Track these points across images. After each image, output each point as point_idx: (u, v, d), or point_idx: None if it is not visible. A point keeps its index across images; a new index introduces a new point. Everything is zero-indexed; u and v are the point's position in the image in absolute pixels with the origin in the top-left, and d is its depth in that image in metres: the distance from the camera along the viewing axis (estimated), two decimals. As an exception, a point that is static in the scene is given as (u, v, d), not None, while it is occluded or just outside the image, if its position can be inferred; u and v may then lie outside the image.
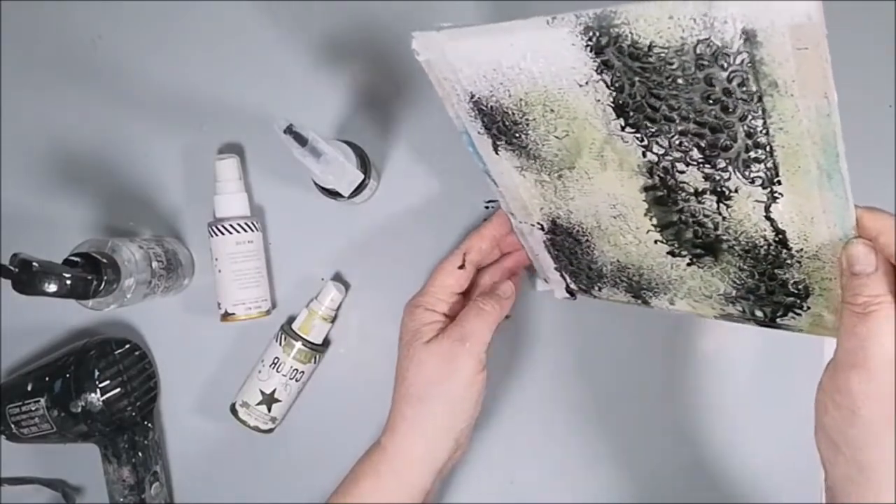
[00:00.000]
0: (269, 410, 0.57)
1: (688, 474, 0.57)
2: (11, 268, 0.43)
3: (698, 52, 0.32)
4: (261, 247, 0.57)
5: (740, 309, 0.44)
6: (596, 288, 0.51)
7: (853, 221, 0.35)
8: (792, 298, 0.41)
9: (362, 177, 0.47)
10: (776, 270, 0.40)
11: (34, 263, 0.43)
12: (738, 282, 0.43)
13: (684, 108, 0.35)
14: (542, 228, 0.49)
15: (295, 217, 0.59)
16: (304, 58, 0.58)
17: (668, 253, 0.44)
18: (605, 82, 0.36)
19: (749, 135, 0.34)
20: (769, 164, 0.35)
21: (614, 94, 0.36)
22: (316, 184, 0.52)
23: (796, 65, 0.30)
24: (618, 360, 0.58)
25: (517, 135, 0.43)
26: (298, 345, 0.56)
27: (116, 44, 0.60)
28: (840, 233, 0.36)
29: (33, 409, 0.56)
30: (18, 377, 0.58)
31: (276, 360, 0.56)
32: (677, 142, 0.37)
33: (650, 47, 0.33)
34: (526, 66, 0.38)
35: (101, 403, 0.55)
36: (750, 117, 0.33)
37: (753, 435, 0.57)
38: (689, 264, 0.44)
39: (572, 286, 0.53)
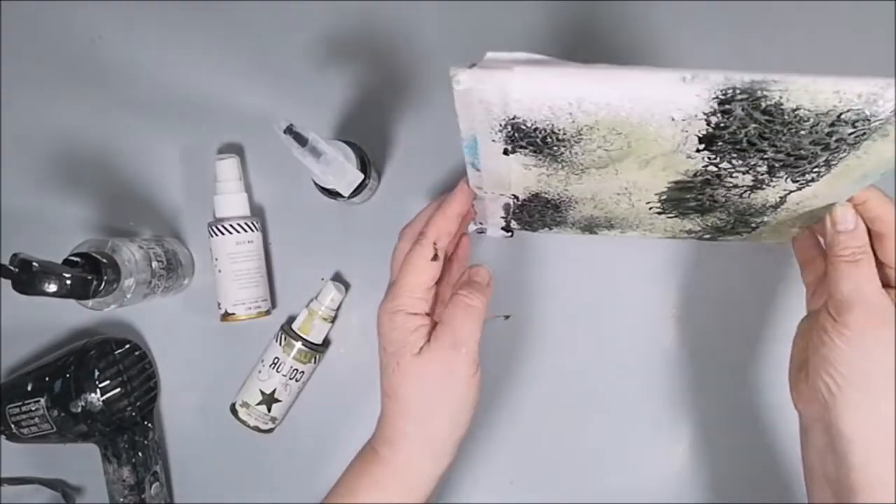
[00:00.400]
0: (269, 410, 0.57)
1: (688, 474, 0.57)
2: (11, 268, 0.43)
3: (843, 118, 0.32)
4: (261, 247, 0.57)
5: (694, 235, 0.50)
6: (546, 230, 0.50)
7: (849, 195, 0.40)
8: (747, 230, 0.48)
9: (362, 177, 0.47)
10: (752, 218, 0.45)
11: (34, 263, 0.43)
12: (711, 225, 0.46)
13: (785, 146, 0.35)
14: (516, 199, 0.46)
15: (295, 217, 0.59)
16: (304, 58, 0.58)
17: (657, 213, 0.46)
18: (708, 122, 0.33)
19: (828, 161, 0.36)
20: (823, 172, 0.38)
21: (712, 129, 0.34)
22: (316, 184, 0.52)
23: None
24: (618, 361, 0.58)
25: (554, 147, 0.37)
26: (298, 345, 0.56)
27: (116, 44, 0.60)
28: (831, 203, 0.41)
29: (33, 409, 0.56)
30: (18, 377, 0.58)
31: (276, 360, 0.56)
32: (753, 163, 0.37)
33: (795, 110, 0.32)
34: (618, 103, 0.33)
35: (101, 403, 0.55)
36: (841, 152, 0.35)
37: (756, 434, 0.57)
38: (671, 217, 0.46)
39: (514, 226, 0.50)
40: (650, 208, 0.45)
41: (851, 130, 0.33)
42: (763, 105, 0.32)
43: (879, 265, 0.40)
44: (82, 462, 0.60)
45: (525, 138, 0.37)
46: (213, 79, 0.59)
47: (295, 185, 0.58)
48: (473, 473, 0.59)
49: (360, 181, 0.46)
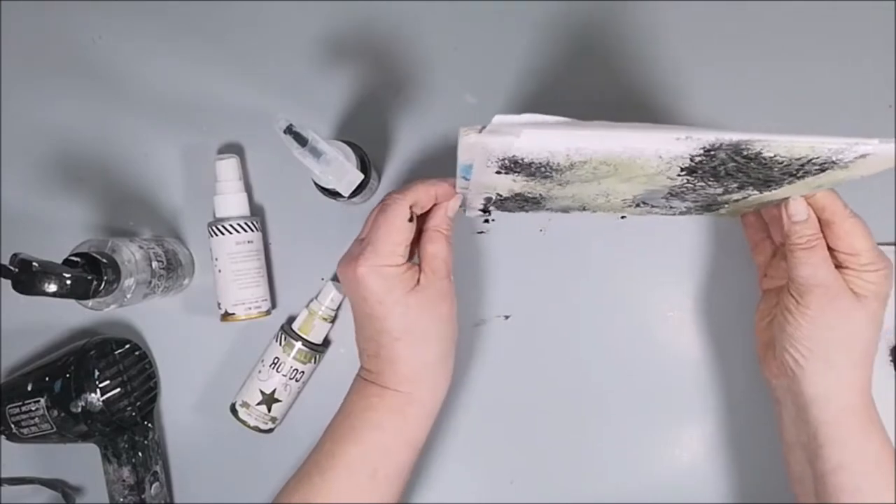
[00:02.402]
0: (269, 410, 0.57)
1: (689, 474, 0.57)
2: (11, 268, 0.43)
3: (813, 161, 0.37)
4: (261, 247, 0.57)
5: (656, 212, 0.53)
6: (521, 213, 0.54)
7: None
8: (721, 209, 0.51)
9: (362, 177, 0.47)
10: (713, 206, 0.49)
11: (34, 263, 0.43)
12: (690, 206, 0.50)
13: (758, 177, 0.40)
14: (499, 196, 0.48)
15: (295, 217, 0.59)
16: (305, 58, 0.58)
17: (629, 206, 0.50)
18: (692, 160, 0.38)
19: (791, 181, 0.41)
20: (786, 186, 0.42)
21: (694, 164, 0.38)
22: (316, 184, 0.52)
23: (867, 164, 0.37)
24: (618, 361, 0.58)
25: (547, 174, 0.41)
26: (298, 345, 0.56)
27: (116, 44, 0.60)
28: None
29: (33, 409, 0.56)
30: (18, 377, 0.58)
31: (276, 360, 0.56)
32: (726, 183, 0.42)
33: (772, 157, 0.37)
34: (615, 151, 0.37)
35: (101, 403, 0.55)
36: (807, 177, 0.40)
37: (759, 434, 0.57)
38: (640, 208, 0.50)
39: (492, 208, 0.53)
40: (625, 205, 0.50)
41: (818, 168, 0.38)
42: (745, 153, 0.36)
43: (830, 250, 0.45)
44: (82, 462, 0.60)
45: (521, 169, 0.40)
46: (213, 79, 0.59)
47: (295, 185, 0.58)
48: (473, 473, 0.59)
49: (360, 181, 0.46)
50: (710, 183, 0.42)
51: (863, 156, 0.36)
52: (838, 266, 0.45)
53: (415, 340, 0.47)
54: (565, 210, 0.53)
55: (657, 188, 0.44)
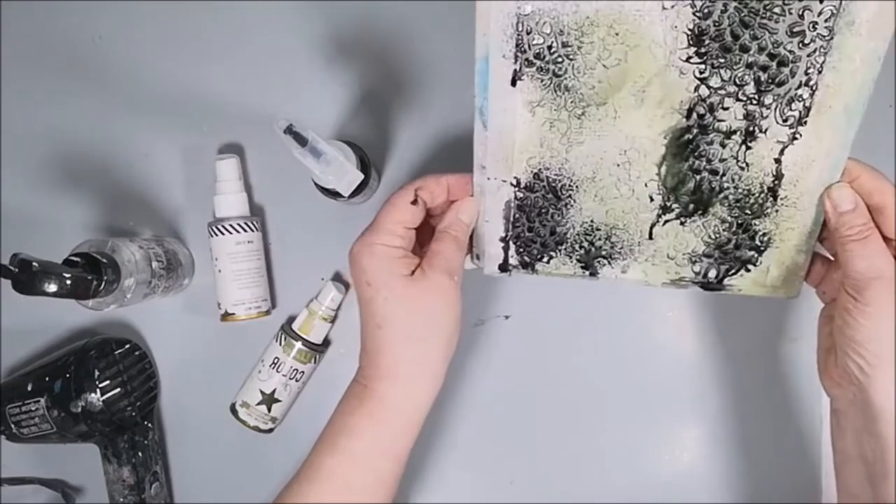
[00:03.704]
0: (269, 410, 0.57)
1: (689, 474, 0.57)
2: (11, 268, 0.43)
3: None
4: (261, 247, 0.57)
5: (696, 270, 0.47)
6: (545, 259, 0.48)
7: (843, 166, 0.41)
8: (752, 252, 0.45)
9: (362, 177, 0.47)
10: (754, 221, 0.44)
11: (34, 263, 0.43)
12: (713, 236, 0.45)
13: (765, 39, 0.38)
14: (517, 184, 0.46)
15: (295, 217, 0.59)
16: (305, 58, 0.58)
17: (659, 207, 0.45)
18: (693, 5, 0.37)
19: (807, 70, 0.38)
20: (807, 104, 0.39)
21: (698, 20, 0.37)
22: (316, 184, 0.52)
23: (876, 9, 0.35)
24: (618, 360, 0.58)
25: (559, 60, 0.40)
26: (298, 345, 0.56)
27: (116, 44, 0.60)
28: (828, 178, 0.41)
29: (33, 409, 0.56)
30: (18, 377, 0.58)
31: (276, 360, 0.57)
32: (740, 74, 0.39)
33: None
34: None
35: (101, 403, 0.55)
36: (817, 53, 0.37)
37: (759, 435, 0.57)
38: (674, 219, 0.45)
39: (512, 260, 0.49)
40: (650, 195, 0.44)
41: (821, 7, 0.36)
42: None
43: (885, 239, 0.41)
44: (82, 462, 0.60)
45: (533, 47, 0.39)
46: (213, 79, 0.59)
47: (295, 185, 0.58)
48: (473, 473, 0.59)
49: (360, 181, 0.46)
50: (724, 79, 0.39)
51: None
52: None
53: (396, 331, 0.43)
54: (589, 256, 0.47)
55: (676, 123, 0.41)
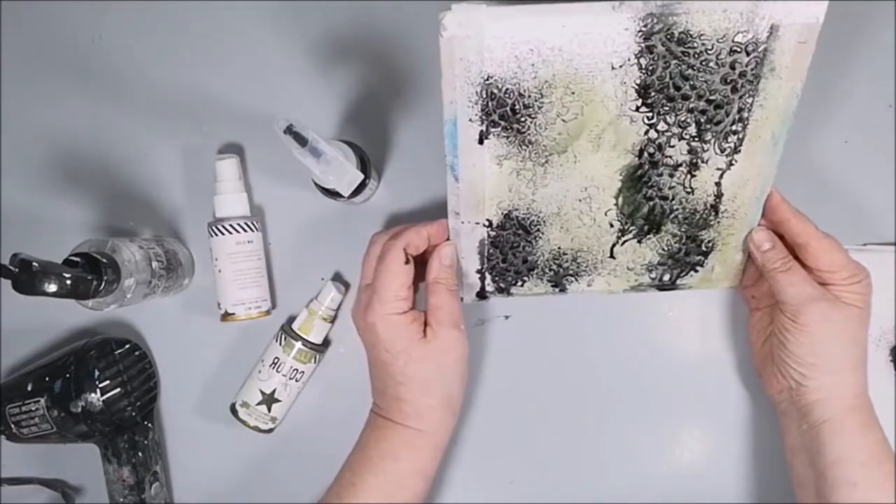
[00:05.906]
0: (269, 410, 0.57)
1: (689, 474, 0.57)
2: (11, 268, 0.43)
3: (735, 40, 0.40)
4: (261, 247, 0.57)
5: (653, 276, 0.53)
6: (518, 283, 0.54)
7: (772, 180, 0.47)
8: (700, 257, 0.52)
9: (362, 177, 0.47)
10: (700, 232, 0.50)
11: (34, 263, 0.43)
12: (666, 248, 0.51)
13: (703, 87, 0.43)
14: (489, 225, 0.50)
15: (295, 217, 0.59)
16: (305, 58, 0.58)
17: (618, 230, 0.50)
18: (639, 65, 0.41)
19: (739, 110, 0.44)
20: (741, 136, 0.45)
21: (644, 76, 0.42)
22: (316, 184, 0.52)
23: (793, 55, 0.41)
24: (618, 360, 0.58)
25: (522, 119, 0.44)
26: (298, 345, 0.56)
27: (116, 44, 0.60)
28: (760, 191, 0.47)
29: (33, 409, 0.56)
30: (18, 377, 0.58)
31: (276, 360, 0.57)
32: (683, 118, 0.44)
33: (699, 35, 0.40)
34: (569, 48, 0.40)
35: (101, 403, 0.55)
36: (747, 95, 0.43)
37: (759, 434, 0.57)
38: (632, 238, 0.50)
39: (489, 287, 0.54)
40: (610, 223, 0.50)
41: (747, 60, 0.41)
42: (675, 33, 0.40)
43: (811, 271, 0.48)
44: (82, 462, 0.60)
45: (498, 109, 0.43)
46: (213, 79, 0.59)
47: (295, 185, 0.58)
48: (473, 473, 0.59)
49: (360, 181, 0.46)
50: (669, 123, 0.44)
51: (773, 29, 0.40)
52: (823, 284, 0.47)
53: (416, 388, 0.49)
54: (558, 275, 0.53)
55: (630, 162, 0.46)
